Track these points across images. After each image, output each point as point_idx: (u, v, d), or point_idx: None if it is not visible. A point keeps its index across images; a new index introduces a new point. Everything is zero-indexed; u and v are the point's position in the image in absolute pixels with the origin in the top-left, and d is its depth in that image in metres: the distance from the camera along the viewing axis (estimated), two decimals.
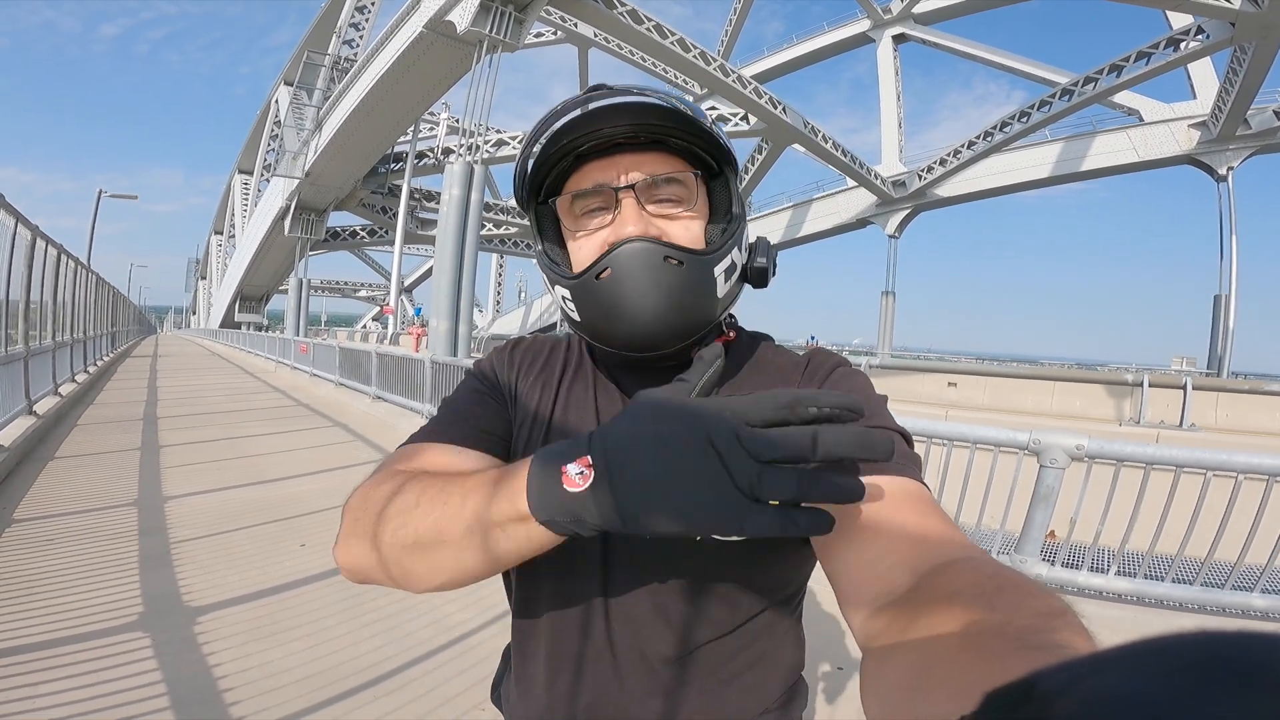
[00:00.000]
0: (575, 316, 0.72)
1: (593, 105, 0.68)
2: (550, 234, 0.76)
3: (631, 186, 0.69)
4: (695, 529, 0.47)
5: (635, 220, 0.68)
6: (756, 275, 0.77)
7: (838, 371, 0.74)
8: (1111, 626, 2.93)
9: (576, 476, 0.49)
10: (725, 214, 0.74)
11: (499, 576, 0.78)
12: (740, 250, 0.74)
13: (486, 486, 0.56)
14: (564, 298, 0.72)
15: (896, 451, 0.61)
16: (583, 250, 0.71)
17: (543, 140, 0.70)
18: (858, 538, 0.56)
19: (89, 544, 3.68)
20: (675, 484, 0.46)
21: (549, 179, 0.73)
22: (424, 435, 0.74)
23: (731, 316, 0.78)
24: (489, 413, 0.76)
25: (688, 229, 0.70)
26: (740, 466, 0.45)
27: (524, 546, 0.55)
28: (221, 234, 44.64)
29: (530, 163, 0.72)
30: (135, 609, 2.91)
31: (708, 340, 0.73)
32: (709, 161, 0.73)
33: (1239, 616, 2.96)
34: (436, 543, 0.57)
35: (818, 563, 0.65)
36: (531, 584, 0.75)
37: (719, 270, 0.70)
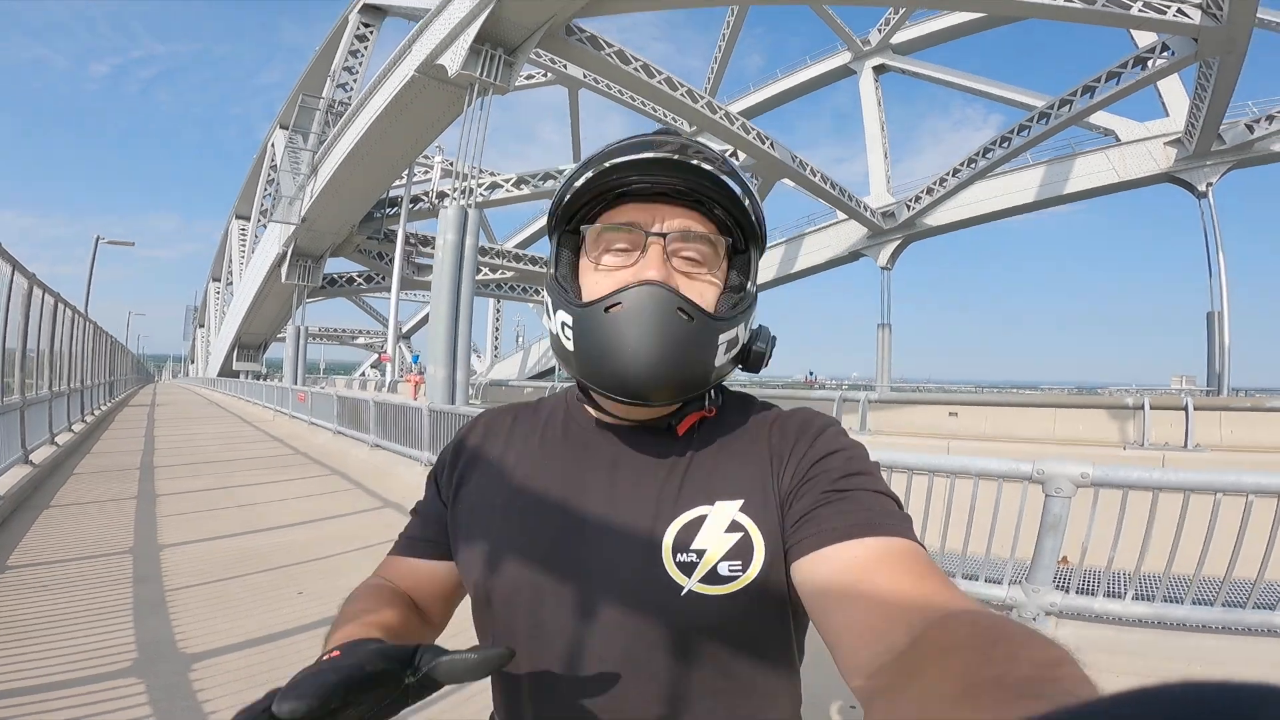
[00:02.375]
0: (569, 346, 0.71)
1: (651, 154, 0.68)
2: (566, 264, 0.76)
3: (663, 235, 0.70)
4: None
5: (658, 266, 0.68)
6: (753, 359, 0.78)
7: (829, 430, 0.74)
8: (1133, 650, 2.88)
9: None
10: (739, 289, 0.75)
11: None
12: (745, 328, 0.75)
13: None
14: (563, 324, 0.72)
15: (888, 512, 0.63)
16: (599, 284, 0.71)
17: (595, 169, 0.70)
18: (853, 602, 0.56)
19: (83, 590, 3.64)
20: None
21: (586, 209, 0.74)
22: (394, 546, 0.83)
23: (718, 392, 0.78)
24: (428, 522, 0.81)
25: (702, 294, 0.71)
26: None
27: None
28: (219, 281, 44.93)
29: (576, 185, 0.72)
30: (129, 655, 2.87)
31: (691, 408, 0.74)
32: (740, 235, 0.74)
33: (1263, 635, 2.89)
34: None
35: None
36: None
37: (723, 338, 0.71)
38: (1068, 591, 3.14)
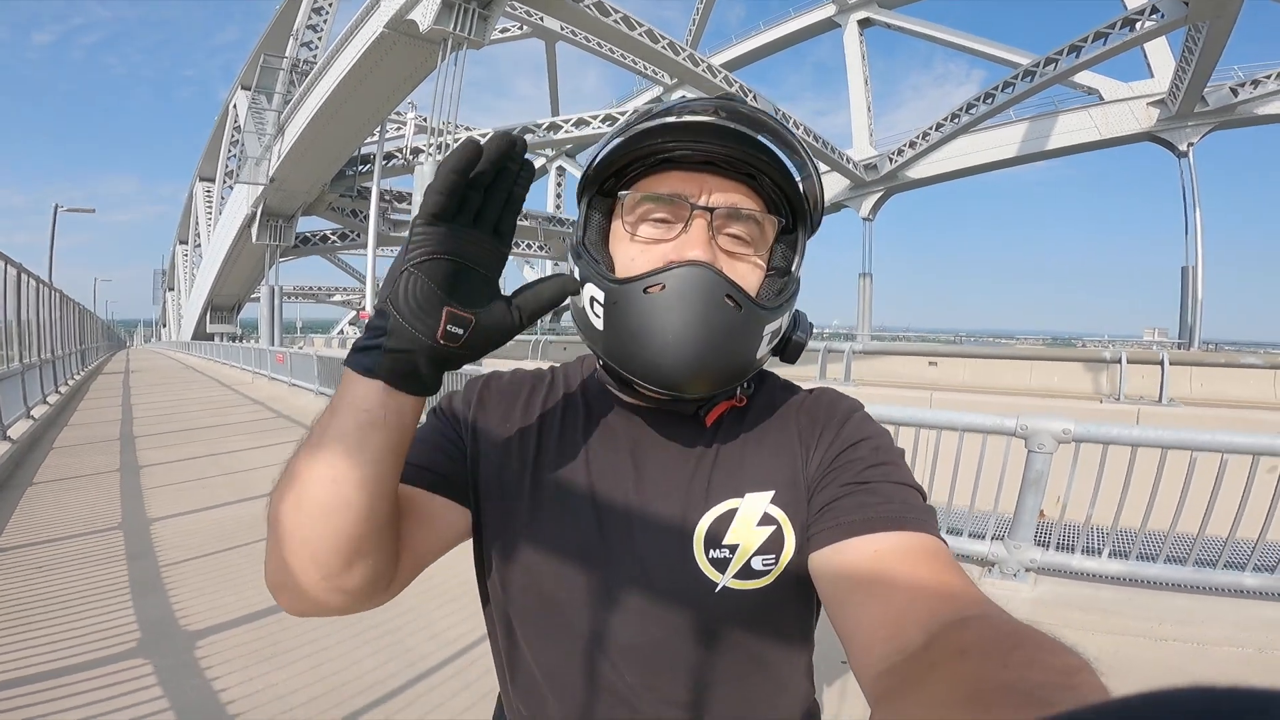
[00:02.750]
0: (598, 325, 0.65)
1: (699, 119, 0.62)
2: (595, 231, 0.70)
3: (711, 210, 0.64)
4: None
5: (703, 245, 0.63)
6: (792, 349, 0.73)
7: (855, 416, 0.72)
8: (1106, 609, 3.00)
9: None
10: (784, 273, 0.70)
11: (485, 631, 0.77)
12: (788, 316, 0.70)
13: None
14: (592, 299, 0.65)
15: (911, 505, 0.61)
16: (635, 259, 0.65)
17: (636, 131, 0.64)
18: (870, 597, 0.54)
19: (78, 570, 3.62)
20: None
21: (624, 172, 0.68)
22: None
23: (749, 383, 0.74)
24: (436, 451, 0.70)
25: (747, 275, 0.65)
26: None
27: (361, 404, 0.55)
28: (186, 243, 43.81)
29: (614, 145, 0.65)
30: (133, 635, 2.87)
31: (721, 396, 0.70)
32: (790, 214, 0.69)
33: (1231, 596, 3.00)
34: (301, 474, 0.56)
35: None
36: (529, 643, 0.71)
37: (768, 329, 0.66)
38: (1047, 548, 3.25)
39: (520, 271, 44.04)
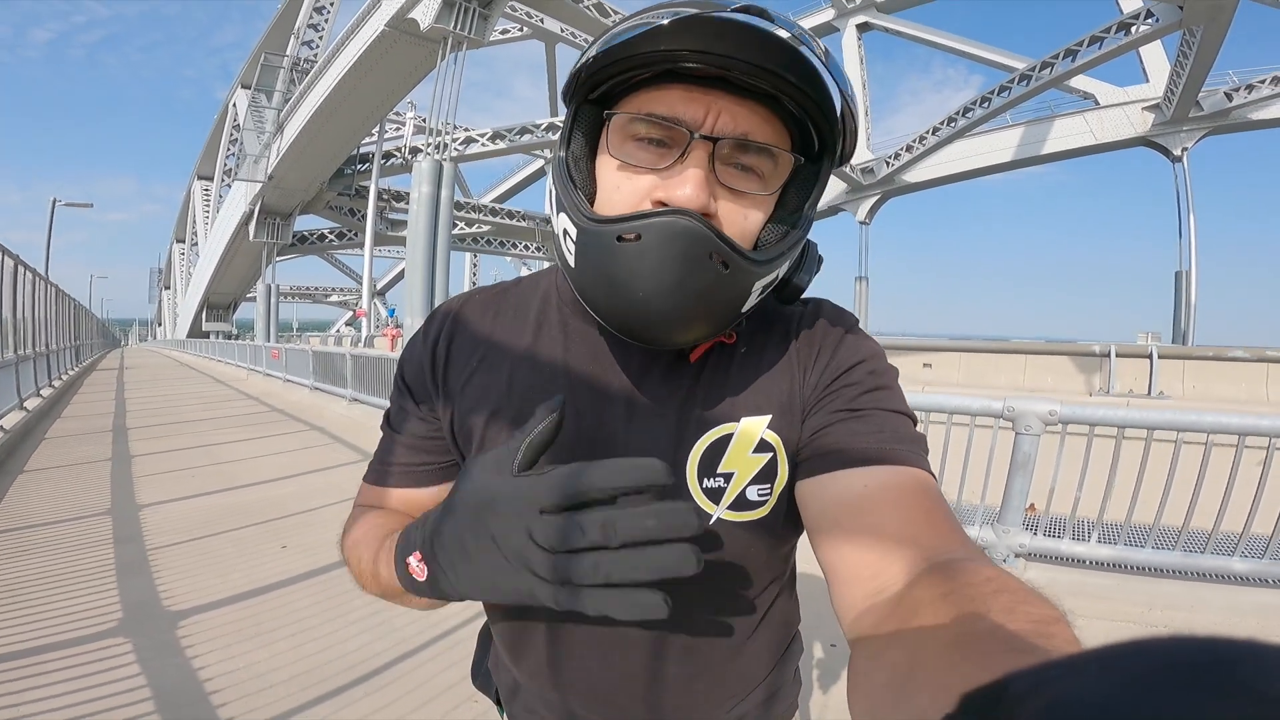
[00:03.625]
0: (570, 261, 0.58)
1: (717, 17, 0.51)
2: (580, 144, 0.61)
3: (714, 140, 0.55)
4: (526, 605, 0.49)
5: (697, 184, 0.54)
6: (790, 291, 0.63)
7: (851, 334, 0.67)
8: (1095, 594, 3.00)
9: (416, 567, 0.52)
10: (795, 209, 0.61)
11: None
12: (791, 259, 0.61)
13: (383, 553, 0.59)
14: (565, 230, 0.58)
15: (902, 436, 0.59)
16: (620, 190, 0.57)
17: (636, 34, 0.53)
18: (854, 534, 0.53)
19: (64, 553, 3.60)
20: (489, 579, 0.47)
21: (620, 78, 0.58)
22: (369, 473, 0.73)
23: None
24: (409, 442, 0.70)
25: (747, 217, 0.57)
26: (536, 560, 0.43)
27: (423, 603, 0.59)
28: (183, 242, 43.80)
29: (607, 50, 0.55)
30: (115, 615, 2.86)
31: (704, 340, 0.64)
32: (814, 143, 0.60)
33: (1221, 582, 2.99)
34: (369, 586, 0.63)
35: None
36: None
37: (759, 284, 0.58)
38: (1035, 533, 3.26)
39: (518, 274, 43.93)
